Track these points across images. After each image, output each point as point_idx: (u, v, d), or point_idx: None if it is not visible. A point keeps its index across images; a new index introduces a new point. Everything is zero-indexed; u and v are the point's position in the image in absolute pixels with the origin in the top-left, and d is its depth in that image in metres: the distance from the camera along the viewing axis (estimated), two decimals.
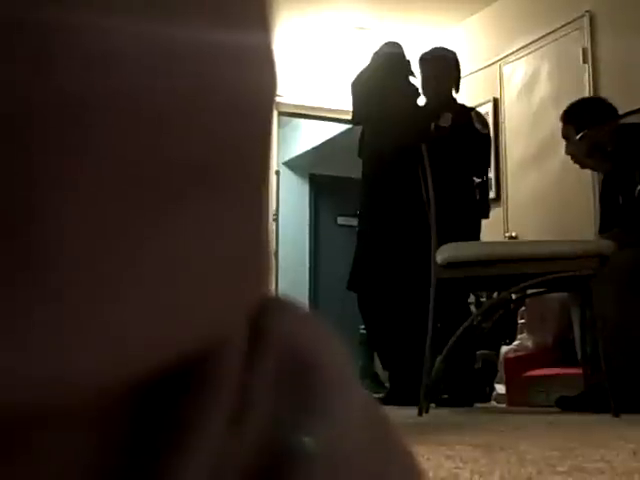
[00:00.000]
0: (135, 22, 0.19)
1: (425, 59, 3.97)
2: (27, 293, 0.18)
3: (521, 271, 2.74)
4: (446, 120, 3.61)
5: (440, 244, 2.85)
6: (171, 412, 0.22)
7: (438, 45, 4.27)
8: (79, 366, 0.18)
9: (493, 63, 5.66)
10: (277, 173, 6.68)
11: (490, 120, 5.66)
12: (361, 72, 4.00)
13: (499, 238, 5.15)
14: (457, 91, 4.00)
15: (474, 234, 3.70)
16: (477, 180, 3.87)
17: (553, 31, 5.16)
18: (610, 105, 3.59)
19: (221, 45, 0.21)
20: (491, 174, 5.61)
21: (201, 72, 0.20)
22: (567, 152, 3.58)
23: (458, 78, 4.01)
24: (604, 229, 3.32)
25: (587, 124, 3.39)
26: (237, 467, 0.22)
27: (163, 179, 0.19)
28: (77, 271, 0.18)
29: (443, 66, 3.93)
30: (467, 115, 3.81)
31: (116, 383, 0.20)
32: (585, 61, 4.92)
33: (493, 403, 4.25)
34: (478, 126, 3.79)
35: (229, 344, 0.23)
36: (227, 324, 0.23)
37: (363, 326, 4.89)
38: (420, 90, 3.90)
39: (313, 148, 7.77)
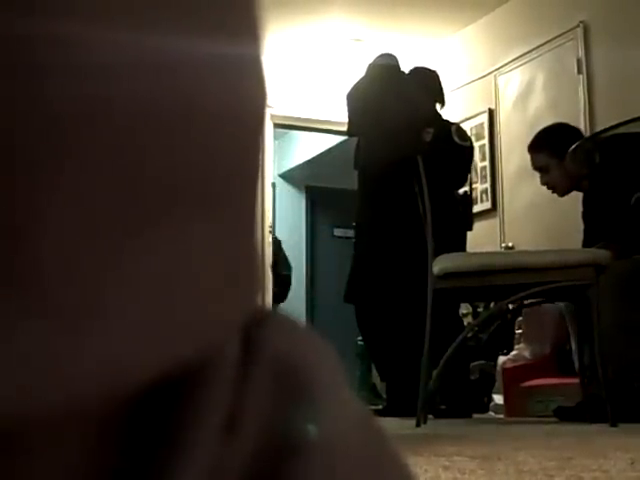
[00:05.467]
0: (122, 34, 0.19)
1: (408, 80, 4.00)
2: (17, 309, 0.18)
3: (518, 281, 2.74)
4: (428, 135, 3.64)
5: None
6: (167, 417, 0.22)
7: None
8: (65, 384, 0.18)
9: (488, 74, 5.68)
10: (273, 185, 6.69)
11: (486, 131, 5.68)
12: (357, 84, 4.01)
13: (495, 248, 5.15)
14: (442, 106, 4.04)
15: (460, 247, 3.71)
16: (460, 193, 3.92)
17: (547, 42, 5.18)
18: (574, 127, 3.68)
19: (209, 56, 0.21)
20: (487, 184, 5.63)
21: (189, 84, 0.20)
22: (542, 182, 3.59)
23: (442, 94, 4.05)
24: (589, 244, 3.31)
25: (560, 146, 3.40)
26: (233, 471, 0.22)
27: (151, 193, 0.19)
28: (63, 287, 0.18)
29: (425, 86, 3.96)
30: (447, 130, 3.85)
31: (109, 395, 0.20)
32: (580, 71, 4.94)
33: (491, 414, 4.24)
34: (456, 139, 3.83)
35: (222, 354, 0.23)
36: (220, 335, 0.23)
37: (360, 338, 4.89)
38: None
39: (309, 160, 7.78)
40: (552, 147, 3.45)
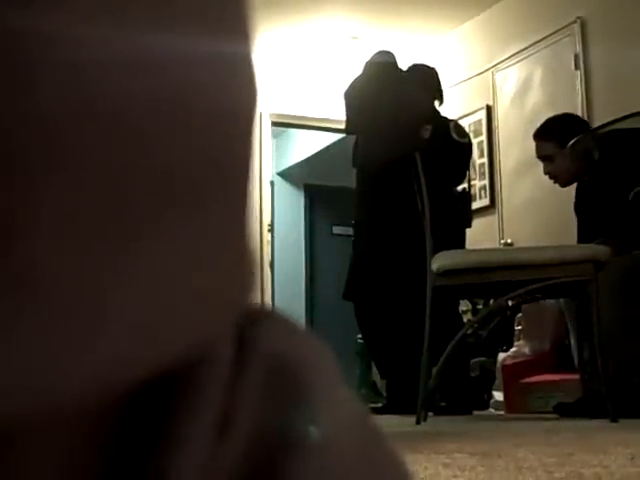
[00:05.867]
0: (113, 31, 0.19)
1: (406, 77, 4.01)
2: (12, 309, 0.18)
3: (517, 278, 2.75)
4: (426, 132, 3.64)
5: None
6: (160, 415, 0.22)
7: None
8: (61, 383, 0.18)
9: (485, 70, 5.68)
10: (272, 183, 6.69)
11: (484, 127, 5.68)
12: (354, 81, 4.01)
13: (494, 245, 5.15)
14: (441, 104, 4.04)
15: (459, 244, 3.71)
16: (459, 190, 3.92)
17: (545, 37, 5.18)
18: (582, 119, 3.67)
19: (200, 54, 0.21)
20: (485, 181, 5.63)
21: (180, 82, 0.20)
22: (546, 171, 3.57)
23: (440, 91, 4.06)
24: (583, 240, 3.31)
25: (569, 137, 3.39)
26: (227, 469, 0.22)
27: (143, 194, 0.19)
28: (58, 287, 0.18)
29: (424, 83, 3.97)
30: (446, 126, 3.85)
31: (104, 393, 0.20)
32: (577, 67, 4.94)
33: (491, 410, 4.25)
34: (455, 136, 3.83)
35: (216, 352, 0.23)
36: (213, 334, 0.23)
37: (360, 335, 4.89)
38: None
39: (307, 158, 7.78)
40: (559, 137, 3.43)
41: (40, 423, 0.20)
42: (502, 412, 4.07)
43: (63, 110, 0.18)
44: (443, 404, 3.68)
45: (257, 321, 0.25)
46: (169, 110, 0.20)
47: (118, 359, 0.19)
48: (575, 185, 3.56)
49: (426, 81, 3.98)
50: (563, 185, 3.58)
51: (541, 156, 3.55)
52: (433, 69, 4.11)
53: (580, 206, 3.51)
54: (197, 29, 0.21)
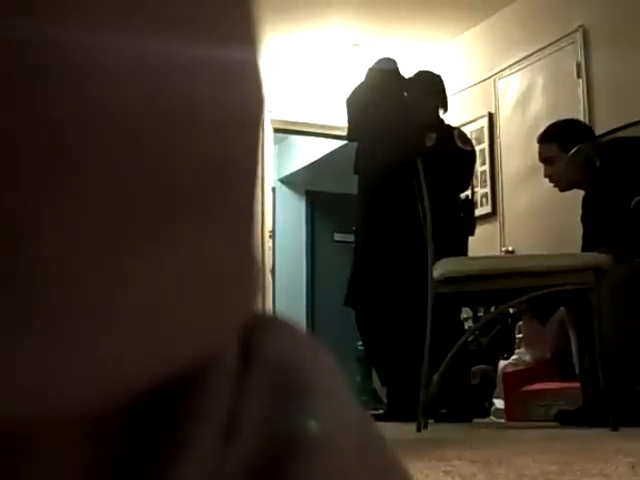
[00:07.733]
0: (120, 38, 0.19)
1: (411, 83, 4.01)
2: (17, 310, 0.18)
3: (518, 285, 2.74)
4: (430, 140, 3.64)
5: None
6: (167, 419, 0.22)
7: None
8: (67, 386, 0.18)
9: (488, 78, 5.68)
10: (273, 190, 6.69)
11: (485, 135, 5.68)
12: (356, 88, 4.02)
13: (495, 252, 5.15)
14: (445, 111, 4.04)
15: (461, 251, 3.70)
16: (462, 198, 3.92)
17: (547, 46, 5.18)
18: (587, 125, 3.71)
19: (206, 61, 0.21)
20: (487, 189, 5.63)
21: (187, 89, 0.20)
22: (546, 174, 3.58)
23: (445, 99, 4.05)
24: (588, 248, 3.30)
25: (571, 141, 3.40)
26: (233, 473, 0.22)
27: (149, 200, 0.19)
28: (63, 290, 0.18)
29: (429, 90, 3.97)
30: (450, 134, 3.85)
31: (111, 397, 0.20)
32: (579, 75, 4.94)
33: (492, 418, 4.24)
34: (459, 143, 3.83)
35: (222, 357, 0.23)
36: (219, 338, 0.23)
37: (360, 342, 4.89)
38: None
39: (309, 165, 7.78)
40: (562, 140, 3.45)
41: (47, 426, 0.20)
42: (503, 420, 4.06)
43: (70, 113, 0.18)
44: (444, 411, 3.67)
45: (262, 326, 0.25)
46: (174, 114, 0.20)
47: (126, 363, 0.19)
48: (581, 196, 3.56)
49: (430, 88, 3.98)
50: (563, 190, 3.59)
51: (543, 159, 3.57)
52: (438, 76, 4.10)
53: (585, 216, 3.51)
54: (203, 36, 0.21)
